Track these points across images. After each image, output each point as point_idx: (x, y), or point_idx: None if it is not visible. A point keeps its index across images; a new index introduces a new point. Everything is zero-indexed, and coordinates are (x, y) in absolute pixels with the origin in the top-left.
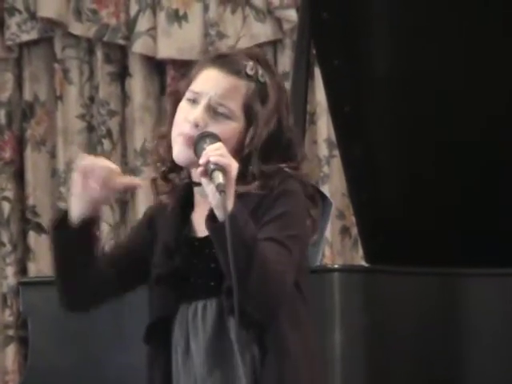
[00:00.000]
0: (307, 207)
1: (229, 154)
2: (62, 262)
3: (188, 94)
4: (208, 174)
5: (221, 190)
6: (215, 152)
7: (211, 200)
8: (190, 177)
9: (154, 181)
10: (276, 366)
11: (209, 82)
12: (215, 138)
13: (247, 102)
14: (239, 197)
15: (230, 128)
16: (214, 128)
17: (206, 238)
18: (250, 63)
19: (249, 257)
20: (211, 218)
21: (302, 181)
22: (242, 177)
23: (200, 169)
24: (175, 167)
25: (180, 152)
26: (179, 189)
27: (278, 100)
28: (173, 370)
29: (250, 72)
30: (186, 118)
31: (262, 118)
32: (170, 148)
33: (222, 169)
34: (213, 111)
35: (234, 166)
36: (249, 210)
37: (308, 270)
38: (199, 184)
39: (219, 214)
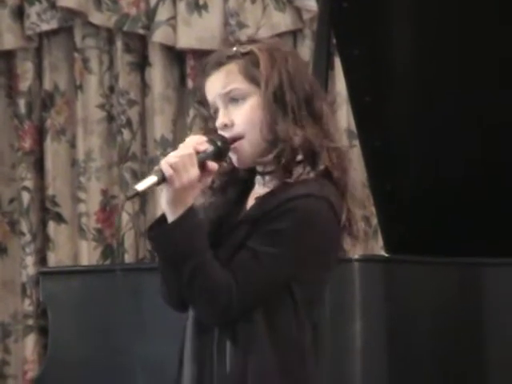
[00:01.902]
0: (325, 229)
1: (187, 165)
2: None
3: (212, 111)
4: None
5: (129, 195)
6: (169, 159)
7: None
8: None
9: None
10: (242, 367)
11: (210, 88)
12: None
13: (247, 74)
14: (265, 197)
15: (252, 104)
16: (237, 113)
17: (232, 224)
18: (228, 48)
19: (178, 271)
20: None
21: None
22: (275, 147)
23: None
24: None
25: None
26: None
27: (269, 55)
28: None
29: (230, 53)
30: (217, 127)
31: (263, 78)
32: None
33: (162, 177)
34: (229, 102)
35: (182, 179)
36: (260, 213)
37: (311, 285)
38: (258, 172)
39: (168, 219)
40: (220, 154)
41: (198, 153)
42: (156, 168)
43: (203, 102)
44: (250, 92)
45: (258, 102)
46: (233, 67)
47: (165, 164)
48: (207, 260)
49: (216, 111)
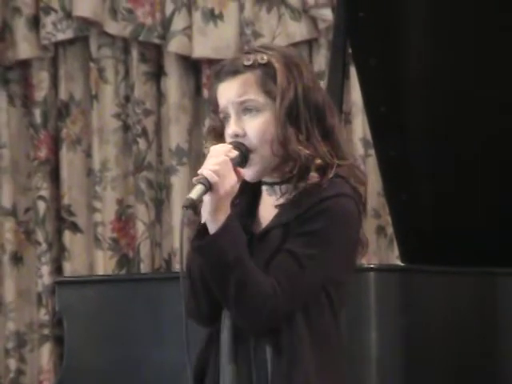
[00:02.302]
0: (355, 228)
1: (227, 171)
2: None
3: (221, 115)
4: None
5: (186, 204)
6: (210, 167)
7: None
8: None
9: None
10: (286, 371)
11: (224, 94)
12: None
13: (263, 86)
14: (291, 202)
15: (265, 119)
16: (250, 126)
17: (261, 232)
18: (245, 55)
19: (225, 279)
20: (202, 232)
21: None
22: (285, 163)
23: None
24: None
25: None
26: (248, 185)
27: (285, 69)
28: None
29: (247, 63)
30: (227, 134)
31: (279, 93)
32: None
33: (209, 184)
34: (242, 112)
35: (225, 184)
36: (292, 217)
37: (342, 284)
38: (266, 183)
39: (210, 228)
40: (245, 160)
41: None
42: (198, 178)
43: (213, 105)
44: (265, 105)
45: (272, 117)
46: (249, 77)
47: (208, 172)
48: (252, 267)
49: (227, 117)
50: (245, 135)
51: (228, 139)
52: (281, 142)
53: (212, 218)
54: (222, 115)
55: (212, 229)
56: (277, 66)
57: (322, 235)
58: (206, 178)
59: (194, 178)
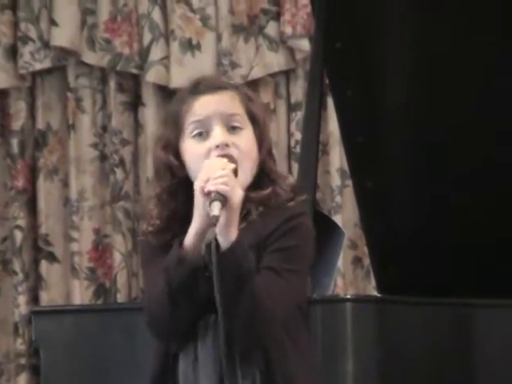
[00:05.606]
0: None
1: (234, 182)
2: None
3: (191, 130)
4: (209, 198)
5: (213, 222)
6: (219, 180)
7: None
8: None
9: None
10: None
11: (209, 105)
12: (235, 161)
13: (246, 106)
14: (256, 221)
15: (249, 137)
16: (239, 139)
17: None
18: (221, 76)
19: (239, 292)
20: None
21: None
22: (259, 184)
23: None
24: (168, 225)
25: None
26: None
27: (258, 97)
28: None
29: (231, 82)
30: (209, 149)
31: (261, 119)
32: (163, 205)
33: (224, 198)
34: (230, 127)
35: (237, 195)
36: (263, 235)
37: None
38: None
39: (222, 242)
40: (237, 172)
41: None
42: (212, 195)
43: (177, 118)
44: (247, 124)
45: (252, 136)
46: (234, 95)
47: (221, 186)
48: (257, 281)
49: (208, 130)
50: (232, 146)
51: (203, 150)
52: (261, 160)
53: (225, 232)
54: (195, 128)
55: (224, 241)
56: (251, 91)
57: (296, 251)
58: (219, 193)
59: (208, 195)
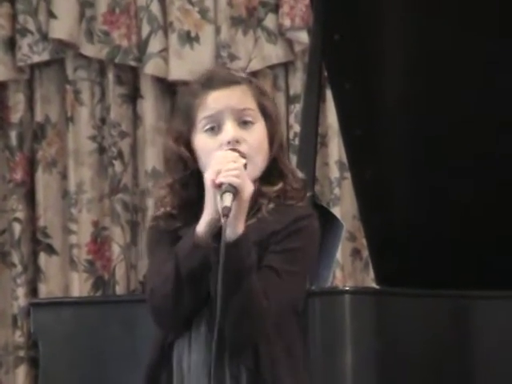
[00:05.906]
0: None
1: (245, 175)
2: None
3: (204, 124)
4: (220, 190)
5: (225, 213)
6: (231, 172)
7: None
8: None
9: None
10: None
11: (220, 100)
12: (244, 156)
13: (258, 100)
14: (265, 219)
15: (260, 132)
16: (250, 134)
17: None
18: (234, 70)
19: (236, 286)
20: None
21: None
22: (271, 179)
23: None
24: (179, 212)
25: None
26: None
27: (268, 92)
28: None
29: (243, 76)
30: (221, 144)
31: (273, 113)
32: (175, 194)
33: (235, 190)
34: (241, 122)
35: (248, 189)
36: (268, 233)
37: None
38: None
39: (228, 233)
40: (246, 168)
41: None
42: (223, 187)
43: (189, 111)
44: (259, 119)
45: (264, 131)
46: (247, 89)
47: (232, 178)
48: (256, 279)
49: (219, 124)
50: (243, 142)
51: (215, 144)
52: (268, 155)
53: (232, 223)
54: (207, 123)
55: (231, 233)
56: (263, 85)
57: (299, 253)
58: (230, 185)
59: (220, 187)
